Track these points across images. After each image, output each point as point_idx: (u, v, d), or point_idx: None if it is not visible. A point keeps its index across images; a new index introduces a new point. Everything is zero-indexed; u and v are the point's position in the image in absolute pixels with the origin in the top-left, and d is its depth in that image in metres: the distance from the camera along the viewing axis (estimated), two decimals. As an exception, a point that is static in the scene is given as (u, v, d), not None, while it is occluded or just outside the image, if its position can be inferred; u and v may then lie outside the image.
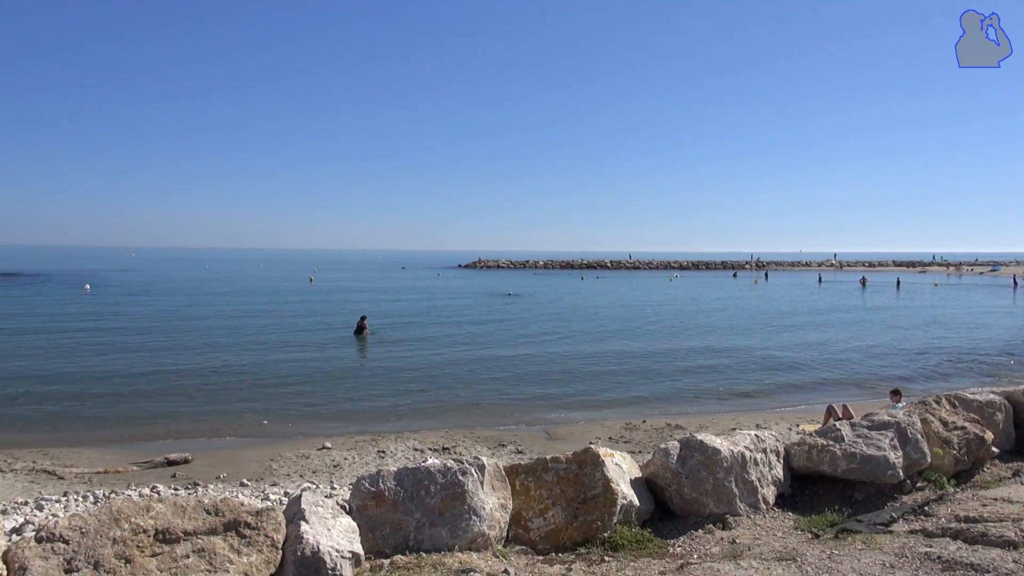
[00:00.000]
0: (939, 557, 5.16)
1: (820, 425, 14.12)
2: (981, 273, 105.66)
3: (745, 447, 6.78)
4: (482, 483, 5.73)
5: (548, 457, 6.25)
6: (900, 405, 11.66)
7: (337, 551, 4.77)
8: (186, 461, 13.38)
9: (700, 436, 6.78)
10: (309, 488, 11.10)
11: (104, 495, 10.96)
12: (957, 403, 8.14)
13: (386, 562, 5.17)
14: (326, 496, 5.78)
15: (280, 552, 4.78)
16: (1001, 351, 28.85)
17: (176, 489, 11.53)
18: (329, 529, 4.96)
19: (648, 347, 29.31)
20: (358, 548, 4.99)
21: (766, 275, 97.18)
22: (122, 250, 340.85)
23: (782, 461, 7.09)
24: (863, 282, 78.73)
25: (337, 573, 4.68)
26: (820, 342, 31.20)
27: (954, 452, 7.49)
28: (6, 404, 17.98)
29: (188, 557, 4.51)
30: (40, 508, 10.26)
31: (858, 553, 5.38)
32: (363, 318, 32.77)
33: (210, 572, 4.47)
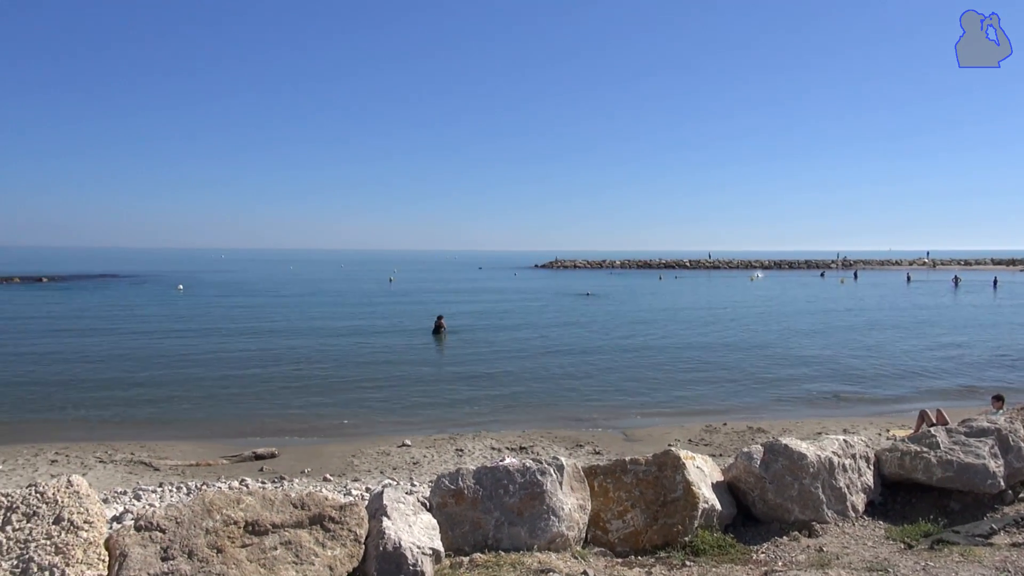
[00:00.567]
0: (1045, 572, 4.87)
1: (912, 431, 13.54)
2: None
3: (833, 452, 6.57)
4: (561, 483, 5.72)
5: (627, 459, 6.19)
6: (1001, 412, 10.99)
7: (418, 547, 4.84)
8: (272, 455, 13.83)
9: (785, 440, 6.60)
10: (390, 484, 11.30)
11: (196, 487, 11.42)
12: (1065, 410, 7.69)
13: (465, 560, 5.21)
14: (406, 493, 5.88)
15: (363, 547, 4.88)
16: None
17: (263, 483, 11.92)
18: (410, 525, 5.03)
19: (727, 348, 28.69)
20: (438, 545, 5.05)
21: (855, 274, 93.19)
22: (214, 252, 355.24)
23: (872, 468, 6.84)
24: (956, 281, 74.64)
25: (418, 569, 4.75)
26: (908, 344, 29.90)
27: (1061, 462, 7.06)
28: (108, 399, 18.96)
29: (276, 549, 4.65)
30: (138, 498, 10.76)
31: (955, 566, 5.13)
32: (440, 317, 33.16)
33: (296, 564, 4.60)
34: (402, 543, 4.79)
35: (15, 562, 4.19)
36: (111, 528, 4.73)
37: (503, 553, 5.34)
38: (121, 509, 9.77)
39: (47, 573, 4.18)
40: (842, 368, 24.20)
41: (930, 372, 23.70)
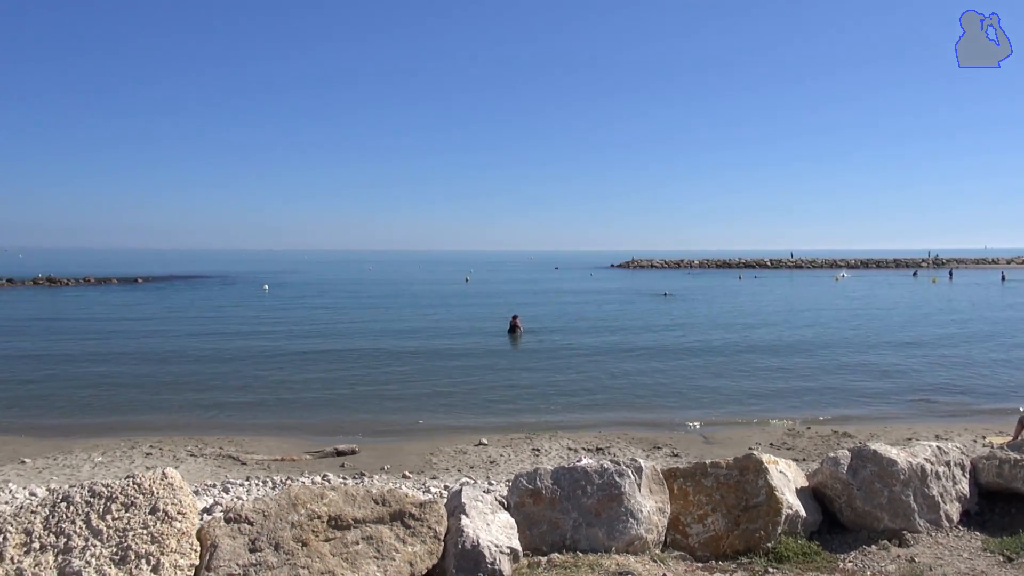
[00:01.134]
0: None
1: (1011, 438, 12.86)
2: None
3: (925, 459, 6.29)
4: (639, 485, 5.67)
5: (707, 462, 6.09)
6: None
7: (496, 546, 4.87)
8: (353, 452, 14.16)
9: (873, 445, 6.37)
10: (468, 483, 11.41)
11: (281, 481, 11.79)
12: None
13: (543, 560, 5.22)
14: (484, 491, 5.92)
15: (442, 544, 4.94)
16: None
17: (345, 479, 12.21)
18: (488, 524, 5.07)
19: (809, 350, 27.83)
20: (516, 544, 5.07)
21: (950, 273, 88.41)
22: (297, 253, 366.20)
23: (968, 476, 6.52)
24: None
25: (496, 567, 4.78)
26: (1004, 346, 28.38)
27: None
28: (199, 398, 19.79)
29: (358, 544, 4.76)
30: (226, 491, 11.19)
31: (1061, 581, 4.85)
32: (515, 317, 33.29)
33: (378, 559, 4.70)
34: (480, 541, 4.83)
35: (114, 549, 4.42)
36: (202, 519, 4.93)
37: (580, 554, 5.32)
38: (211, 501, 10.17)
39: (144, 561, 4.39)
40: (932, 373, 23.14)
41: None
